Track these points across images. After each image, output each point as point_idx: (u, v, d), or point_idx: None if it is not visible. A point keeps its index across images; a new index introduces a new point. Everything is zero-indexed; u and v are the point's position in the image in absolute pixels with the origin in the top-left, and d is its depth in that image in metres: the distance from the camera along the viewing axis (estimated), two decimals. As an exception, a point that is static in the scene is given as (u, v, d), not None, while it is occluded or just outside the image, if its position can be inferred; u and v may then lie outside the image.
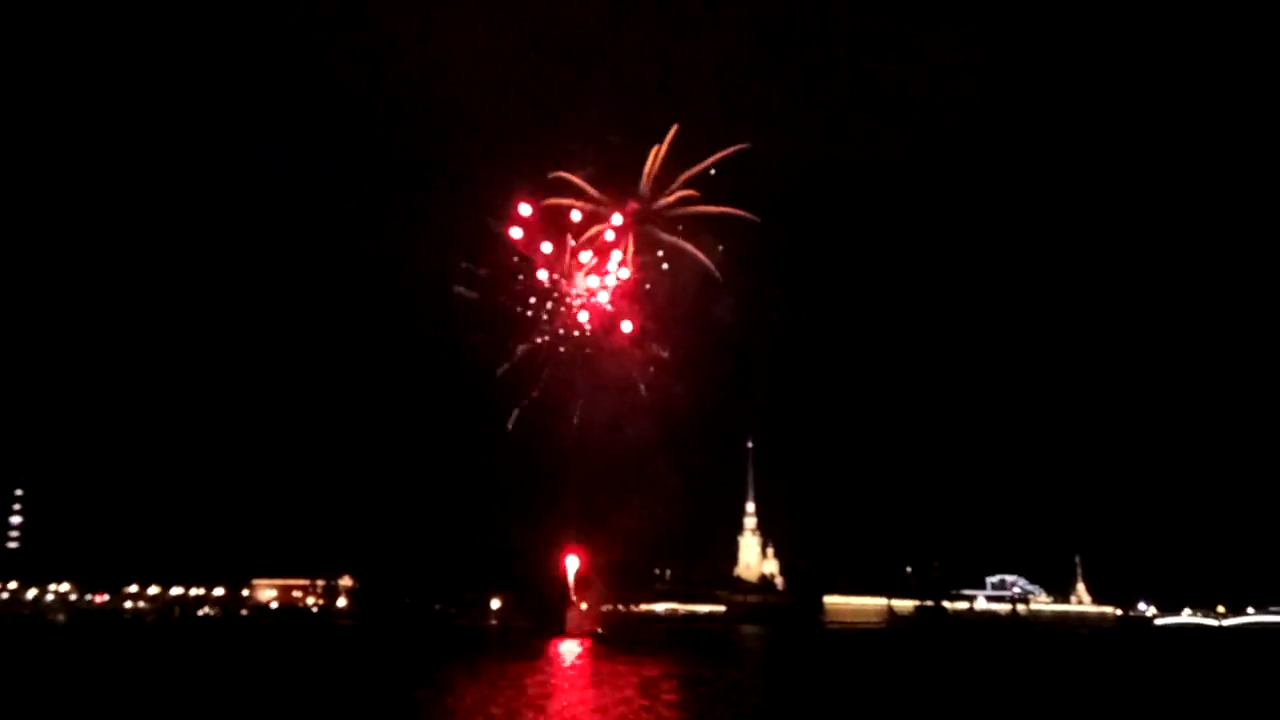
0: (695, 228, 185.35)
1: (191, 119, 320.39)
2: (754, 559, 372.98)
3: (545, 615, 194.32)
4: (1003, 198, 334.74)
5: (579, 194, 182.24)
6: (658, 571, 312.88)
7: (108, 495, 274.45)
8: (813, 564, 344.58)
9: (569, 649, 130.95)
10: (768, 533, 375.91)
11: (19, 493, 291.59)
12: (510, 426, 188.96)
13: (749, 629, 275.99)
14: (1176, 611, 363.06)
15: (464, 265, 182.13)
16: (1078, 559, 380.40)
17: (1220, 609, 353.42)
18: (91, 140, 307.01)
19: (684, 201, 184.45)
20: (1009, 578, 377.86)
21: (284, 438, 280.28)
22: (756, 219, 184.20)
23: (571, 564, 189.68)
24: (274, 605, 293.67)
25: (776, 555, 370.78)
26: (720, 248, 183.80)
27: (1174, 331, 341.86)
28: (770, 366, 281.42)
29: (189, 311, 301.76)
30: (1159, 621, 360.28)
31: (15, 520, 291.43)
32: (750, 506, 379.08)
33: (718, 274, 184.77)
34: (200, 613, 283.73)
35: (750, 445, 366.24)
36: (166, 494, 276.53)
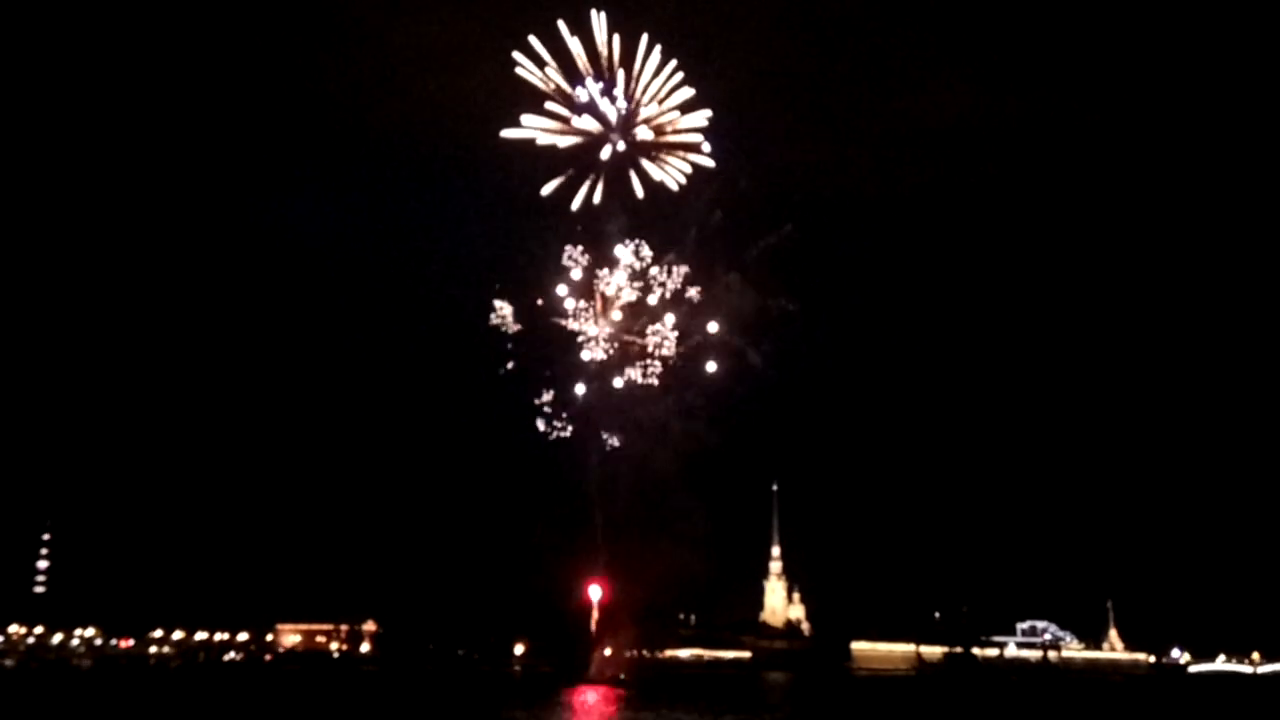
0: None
1: (224, 160, 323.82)
2: (780, 604, 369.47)
3: (568, 660, 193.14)
4: (1037, 231, 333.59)
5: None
6: (682, 617, 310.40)
7: (133, 540, 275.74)
8: (839, 609, 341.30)
9: (590, 699, 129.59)
10: (793, 577, 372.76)
11: (46, 537, 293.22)
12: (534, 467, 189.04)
13: (775, 676, 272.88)
14: (1210, 658, 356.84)
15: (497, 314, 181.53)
16: (1109, 605, 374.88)
17: (1255, 656, 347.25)
18: (124, 187, 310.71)
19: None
20: (1040, 624, 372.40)
21: (308, 483, 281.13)
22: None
23: (593, 609, 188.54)
24: (297, 650, 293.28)
25: (803, 600, 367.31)
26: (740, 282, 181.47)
27: (1209, 378, 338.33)
28: (795, 409, 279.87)
29: (216, 357, 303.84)
30: (1193, 668, 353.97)
31: (42, 565, 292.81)
32: (775, 550, 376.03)
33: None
34: (226, 658, 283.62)
35: (775, 488, 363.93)
36: (191, 539, 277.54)
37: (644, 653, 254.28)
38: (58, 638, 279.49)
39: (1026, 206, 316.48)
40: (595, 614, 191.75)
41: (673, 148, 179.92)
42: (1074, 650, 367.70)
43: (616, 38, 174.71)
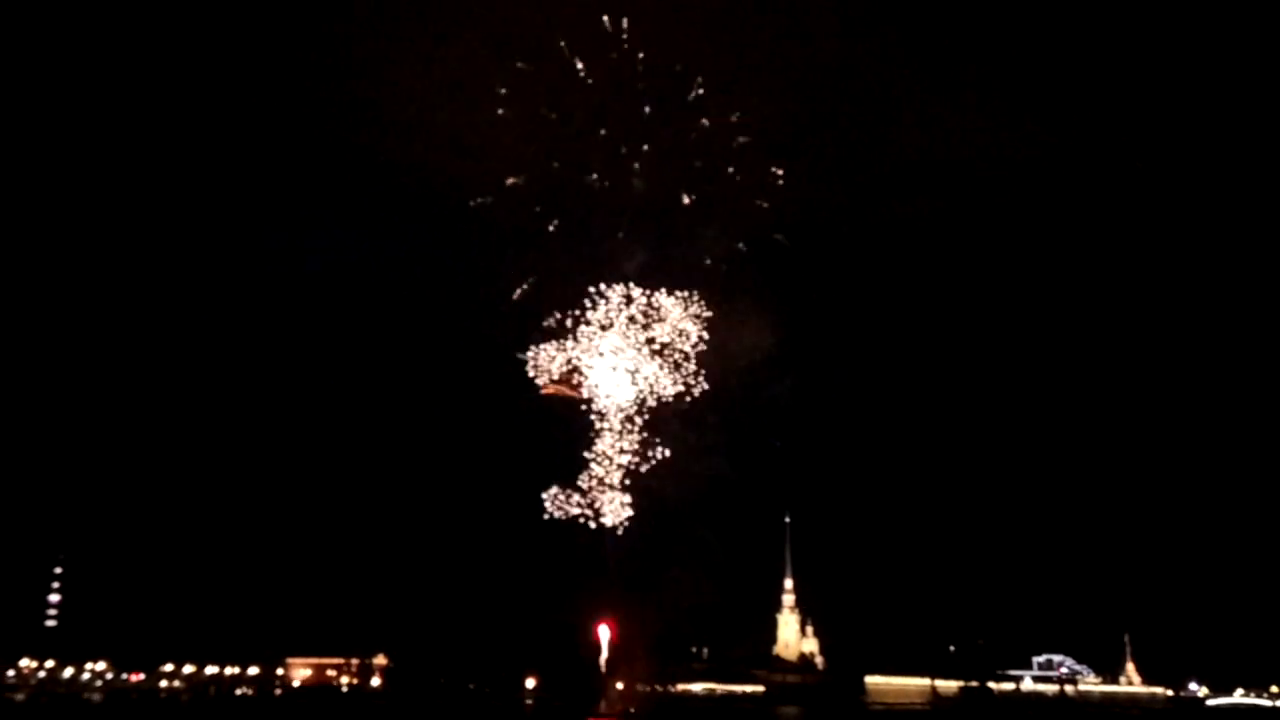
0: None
1: (235, 190, 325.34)
2: (793, 638, 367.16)
3: (579, 694, 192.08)
4: (1049, 259, 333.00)
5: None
6: (695, 650, 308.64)
7: (145, 574, 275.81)
8: (853, 643, 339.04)
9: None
10: (807, 610, 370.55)
11: (58, 571, 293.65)
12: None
13: (788, 710, 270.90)
14: (1229, 692, 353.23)
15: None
16: (1127, 638, 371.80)
17: (1274, 689, 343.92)
18: (137, 218, 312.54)
19: None
20: (1056, 657, 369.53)
21: (320, 517, 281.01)
22: None
23: (604, 641, 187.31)
24: (308, 684, 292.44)
25: (816, 634, 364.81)
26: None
27: (1224, 410, 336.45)
28: (807, 441, 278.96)
29: (225, 389, 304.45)
30: (1211, 702, 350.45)
31: (54, 598, 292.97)
32: (789, 583, 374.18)
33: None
34: (239, 692, 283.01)
35: (788, 520, 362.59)
36: (202, 573, 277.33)
37: (656, 687, 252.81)
38: (69, 671, 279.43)
39: (1036, 236, 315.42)
40: (605, 652, 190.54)
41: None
42: (1091, 684, 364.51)
43: None
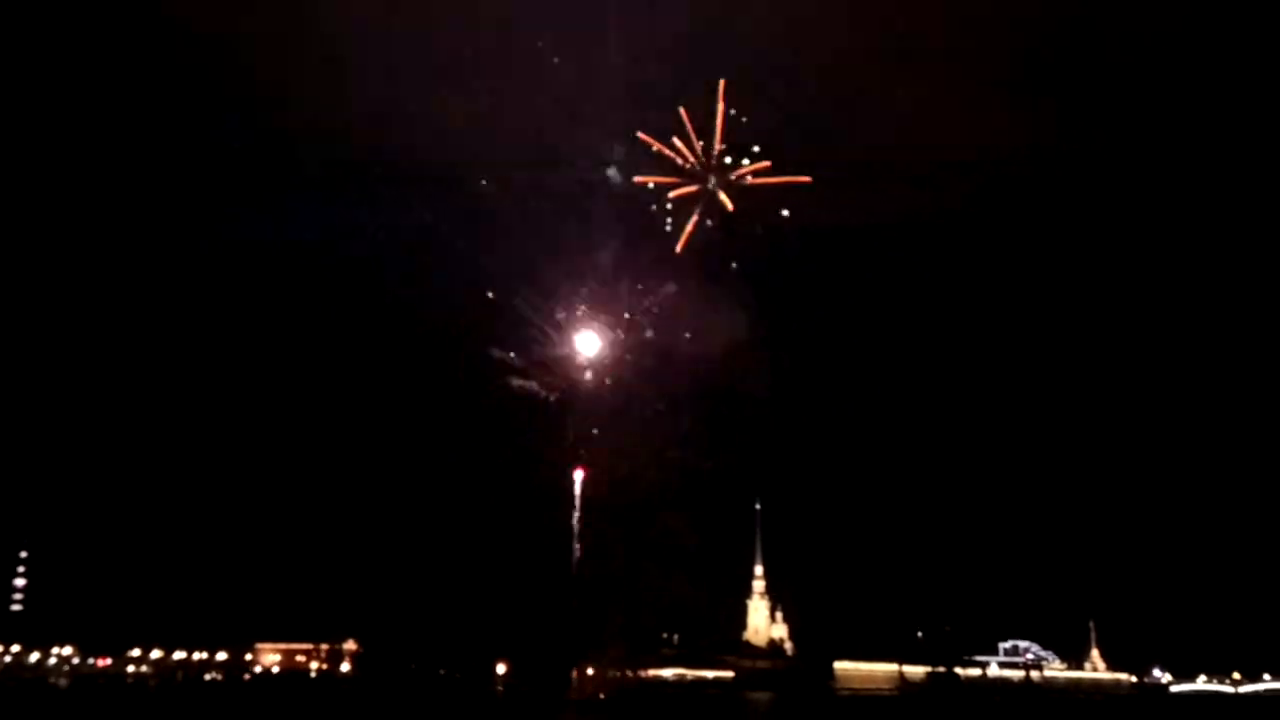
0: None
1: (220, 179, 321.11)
2: (763, 623, 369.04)
3: (549, 680, 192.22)
4: (1022, 259, 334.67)
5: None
6: (665, 636, 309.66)
7: (112, 558, 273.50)
8: (822, 629, 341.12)
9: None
10: (777, 597, 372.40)
11: (23, 554, 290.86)
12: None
13: (759, 695, 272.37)
14: (1192, 678, 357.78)
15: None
16: (1091, 625, 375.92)
17: (1236, 675, 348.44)
18: (98, 203, 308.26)
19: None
20: (1022, 644, 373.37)
21: (287, 501, 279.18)
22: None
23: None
24: (276, 669, 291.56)
25: (786, 620, 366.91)
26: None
27: (1191, 397, 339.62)
28: (778, 428, 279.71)
29: (194, 372, 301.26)
30: (1174, 688, 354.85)
31: (19, 583, 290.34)
32: (759, 570, 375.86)
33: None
34: (208, 677, 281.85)
35: (758, 507, 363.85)
36: (170, 557, 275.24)
37: (627, 672, 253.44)
38: (35, 656, 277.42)
39: (1008, 229, 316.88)
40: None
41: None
42: (1056, 670, 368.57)
43: None
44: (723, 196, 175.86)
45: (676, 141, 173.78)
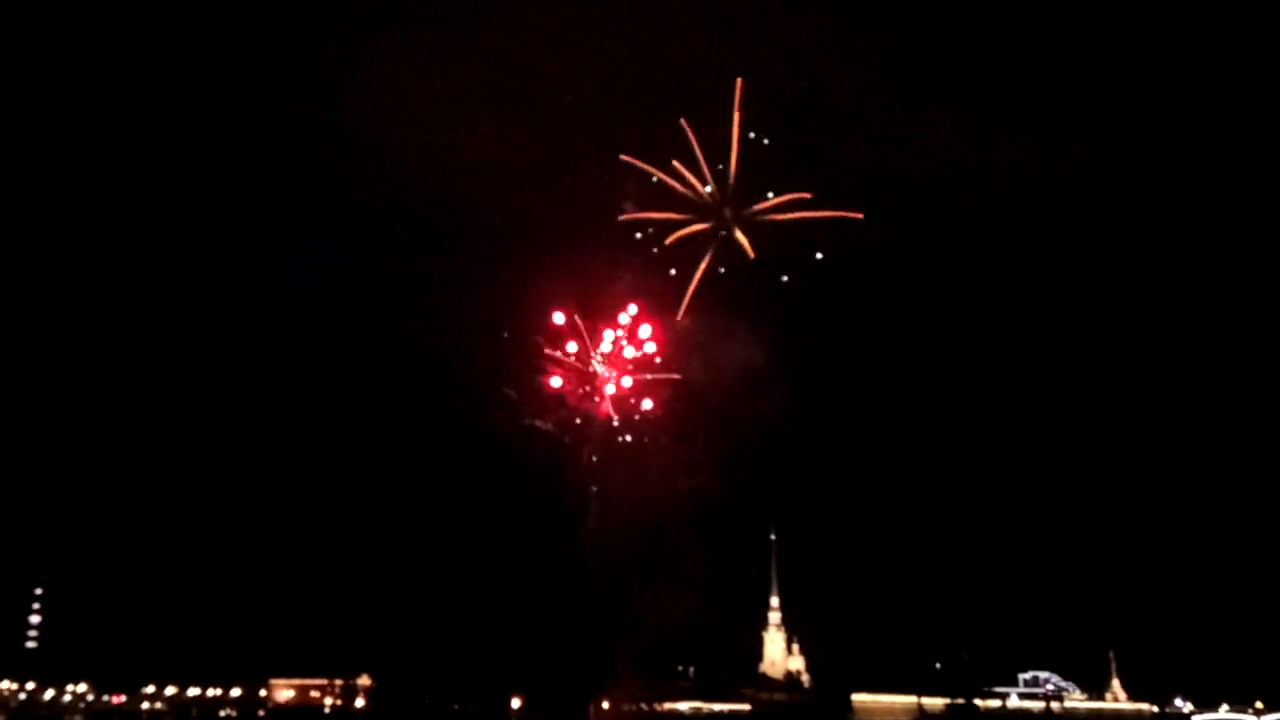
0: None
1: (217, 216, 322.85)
2: (779, 655, 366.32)
3: (564, 714, 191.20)
4: (1034, 286, 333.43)
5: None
6: (681, 669, 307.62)
7: (127, 596, 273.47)
8: (840, 660, 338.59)
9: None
10: (793, 628, 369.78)
11: (38, 592, 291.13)
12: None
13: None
14: (1214, 707, 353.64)
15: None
16: (1112, 654, 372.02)
17: (1259, 704, 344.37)
18: (110, 239, 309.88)
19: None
20: (1042, 674, 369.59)
21: (301, 537, 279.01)
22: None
23: (587, 656, 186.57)
24: (291, 705, 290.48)
25: (802, 651, 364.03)
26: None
27: (1210, 428, 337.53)
28: (793, 456, 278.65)
29: (207, 409, 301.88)
30: (1196, 718, 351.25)
31: (34, 619, 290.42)
32: (774, 600, 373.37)
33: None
34: (222, 714, 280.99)
35: (773, 537, 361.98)
36: (185, 594, 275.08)
37: (643, 705, 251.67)
38: (49, 694, 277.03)
39: (1022, 260, 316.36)
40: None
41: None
42: (1077, 700, 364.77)
43: None
44: (740, 236, 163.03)
45: (678, 165, 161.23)
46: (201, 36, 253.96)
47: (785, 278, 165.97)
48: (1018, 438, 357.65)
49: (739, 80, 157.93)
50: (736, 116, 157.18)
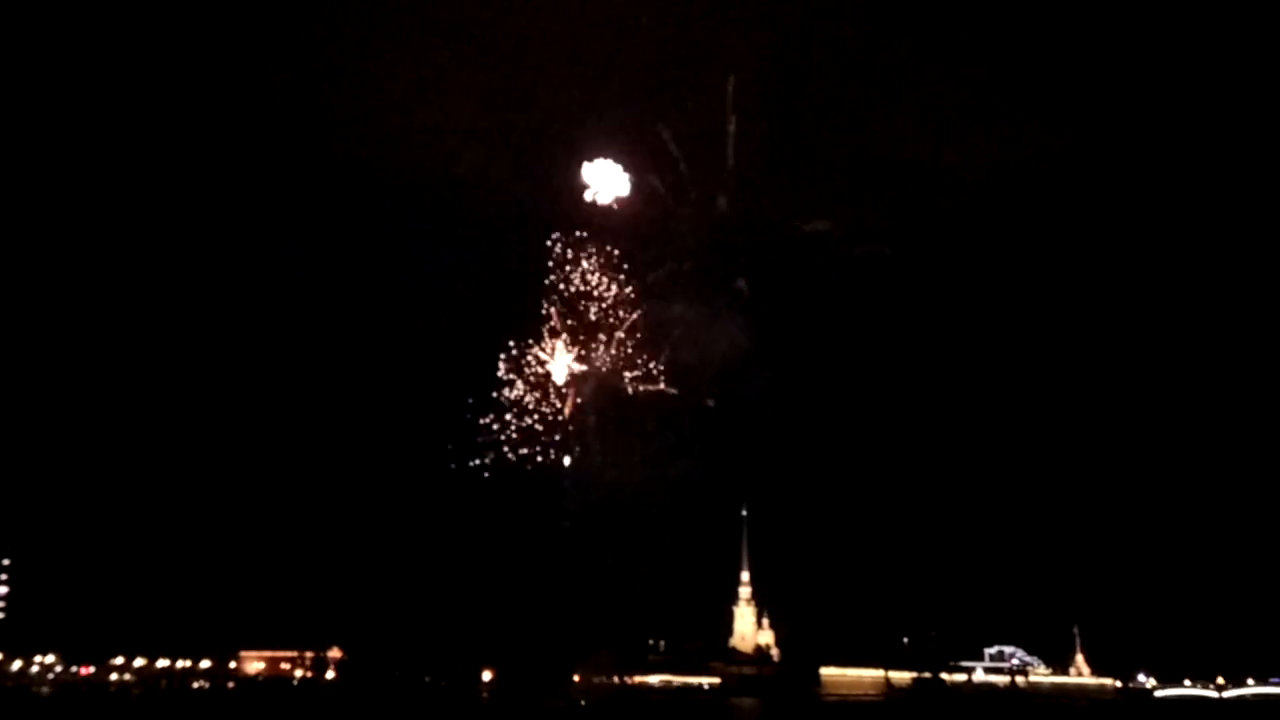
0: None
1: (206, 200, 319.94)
2: (749, 630, 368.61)
3: (535, 687, 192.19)
4: (1008, 272, 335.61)
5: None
6: (652, 642, 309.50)
7: (95, 566, 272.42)
8: (808, 635, 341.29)
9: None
10: (763, 603, 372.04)
11: (5, 563, 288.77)
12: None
13: (745, 701, 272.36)
14: (1176, 683, 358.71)
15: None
16: (1076, 630, 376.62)
17: (1220, 680, 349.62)
18: (97, 218, 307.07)
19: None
20: (1007, 649, 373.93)
21: (272, 510, 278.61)
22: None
23: (559, 630, 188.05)
24: (262, 677, 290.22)
25: (772, 626, 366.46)
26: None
27: (1173, 404, 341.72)
28: (764, 435, 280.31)
29: (176, 384, 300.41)
30: (1159, 693, 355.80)
31: (1, 590, 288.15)
32: (745, 576, 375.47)
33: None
34: (193, 685, 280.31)
35: (744, 514, 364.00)
36: (153, 565, 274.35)
37: (614, 678, 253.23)
38: (17, 665, 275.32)
39: (993, 241, 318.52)
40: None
41: None
42: (1041, 675, 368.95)
43: None
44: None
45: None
46: (194, 30, 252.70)
47: (742, 282, 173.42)
48: (985, 419, 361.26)
49: (730, 78, 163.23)
50: (731, 117, 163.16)
